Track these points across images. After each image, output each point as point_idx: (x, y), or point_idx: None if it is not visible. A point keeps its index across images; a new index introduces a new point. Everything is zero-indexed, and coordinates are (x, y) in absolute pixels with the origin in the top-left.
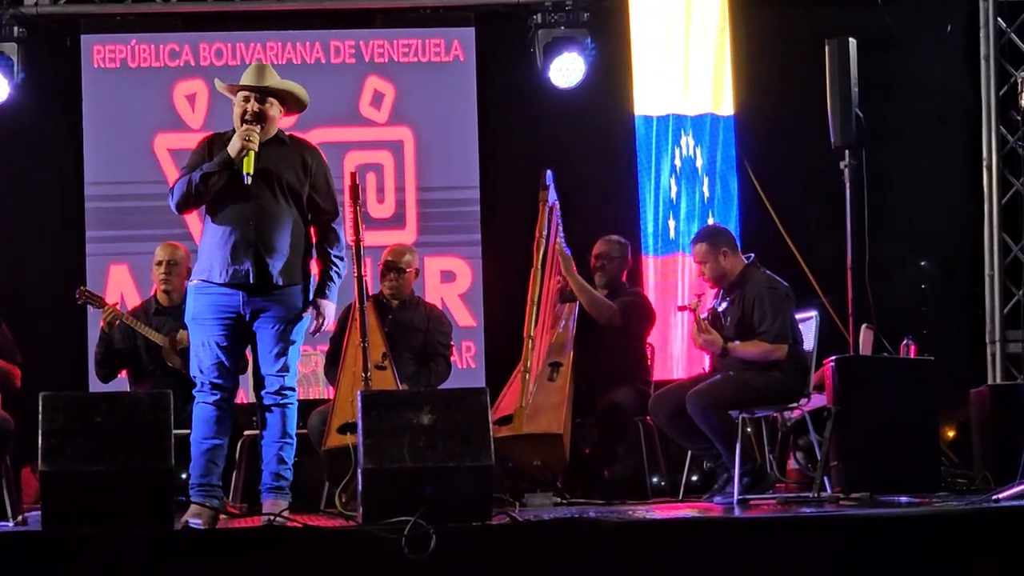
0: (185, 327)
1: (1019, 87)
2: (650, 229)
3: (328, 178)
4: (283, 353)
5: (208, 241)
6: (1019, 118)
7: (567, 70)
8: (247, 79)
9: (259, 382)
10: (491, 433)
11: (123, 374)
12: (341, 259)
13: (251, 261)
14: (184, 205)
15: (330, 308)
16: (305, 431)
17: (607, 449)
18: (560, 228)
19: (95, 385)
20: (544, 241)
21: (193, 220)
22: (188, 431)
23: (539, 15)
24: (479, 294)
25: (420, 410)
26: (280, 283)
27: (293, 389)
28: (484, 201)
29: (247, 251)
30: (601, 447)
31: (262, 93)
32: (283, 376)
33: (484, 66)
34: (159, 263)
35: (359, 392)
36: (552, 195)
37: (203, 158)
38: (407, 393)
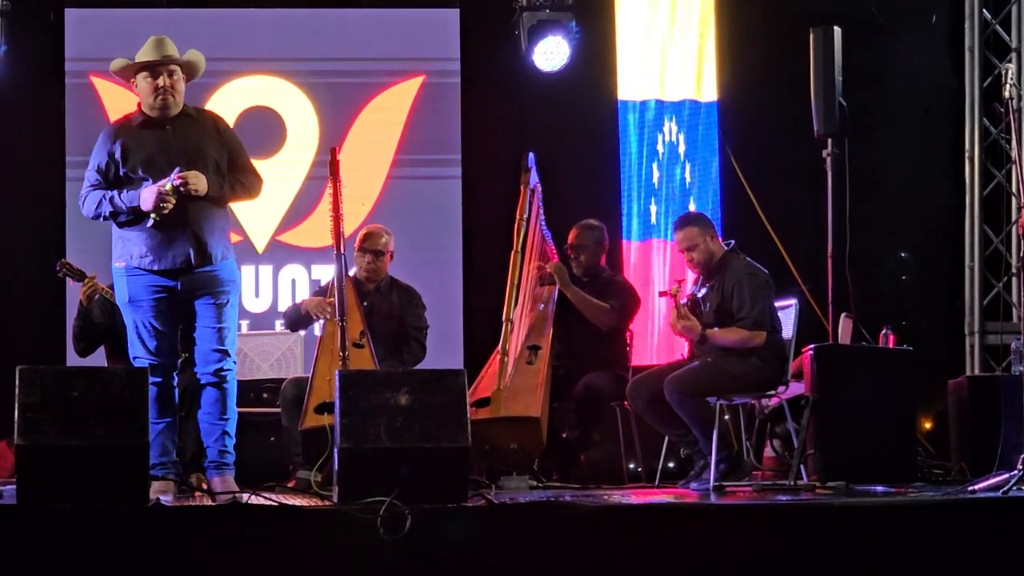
0: None
1: (1003, 79)
2: (635, 212)
3: (240, 142)
4: (223, 329)
5: (138, 225)
6: (1002, 110)
7: (551, 53)
8: (151, 54)
9: (204, 359)
10: (468, 415)
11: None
12: (238, 186)
13: (191, 244)
14: (96, 220)
15: (202, 180)
16: (269, 408)
17: (584, 433)
18: (541, 211)
19: (73, 359)
20: (525, 224)
21: None
22: None
23: None
24: (459, 276)
25: (398, 391)
26: (216, 259)
27: (234, 361)
28: (466, 183)
29: (184, 233)
30: (578, 431)
31: (170, 65)
32: (224, 351)
33: (468, 48)
34: None
35: (337, 372)
36: (534, 178)
37: (110, 158)
38: (385, 373)
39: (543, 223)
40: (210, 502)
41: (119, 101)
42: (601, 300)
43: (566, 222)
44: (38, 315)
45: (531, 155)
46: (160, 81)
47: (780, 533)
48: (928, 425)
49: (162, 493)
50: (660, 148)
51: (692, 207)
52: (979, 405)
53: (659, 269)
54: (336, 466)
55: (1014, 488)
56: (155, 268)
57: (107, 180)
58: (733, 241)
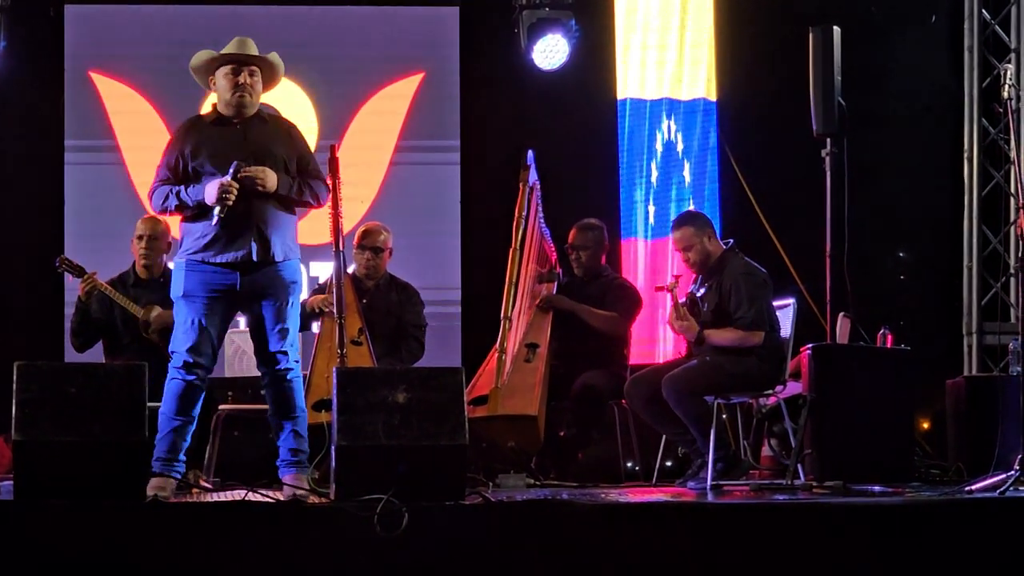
0: (161, 303)
1: (1002, 79)
2: (629, 211)
3: (310, 150)
4: (286, 328)
5: (204, 219)
6: (1001, 110)
7: (550, 51)
8: (235, 50)
9: (266, 359)
10: (466, 413)
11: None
12: (307, 190)
13: (254, 238)
14: (163, 214)
15: (270, 175)
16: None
17: (581, 432)
18: (540, 209)
19: (71, 355)
20: (523, 222)
21: None
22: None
23: None
24: (458, 274)
25: (395, 388)
26: (279, 258)
27: (298, 361)
28: (464, 180)
29: (248, 229)
30: (575, 430)
31: (250, 64)
32: (288, 351)
33: (468, 46)
34: (140, 237)
35: (335, 369)
36: (533, 175)
37: (180, 154)
38: (382, 371)
39: (542, 221)
40: (208, 498)
41: (118, 97)
42: (603, 301)
43: (565, 220)
44: (36, 311)
45: (530, 153)
46: (240, 78)
47: (777, 532)
48: (926, 425)
49: (160, 489)
50: (659, 147)
51: (691, 206)
52: (977, 405)
53: (643, 267)
54: (333, 463)
55: (1011, 488)
56: (216, 260)
57: (176, 175)
58: (732, 240)
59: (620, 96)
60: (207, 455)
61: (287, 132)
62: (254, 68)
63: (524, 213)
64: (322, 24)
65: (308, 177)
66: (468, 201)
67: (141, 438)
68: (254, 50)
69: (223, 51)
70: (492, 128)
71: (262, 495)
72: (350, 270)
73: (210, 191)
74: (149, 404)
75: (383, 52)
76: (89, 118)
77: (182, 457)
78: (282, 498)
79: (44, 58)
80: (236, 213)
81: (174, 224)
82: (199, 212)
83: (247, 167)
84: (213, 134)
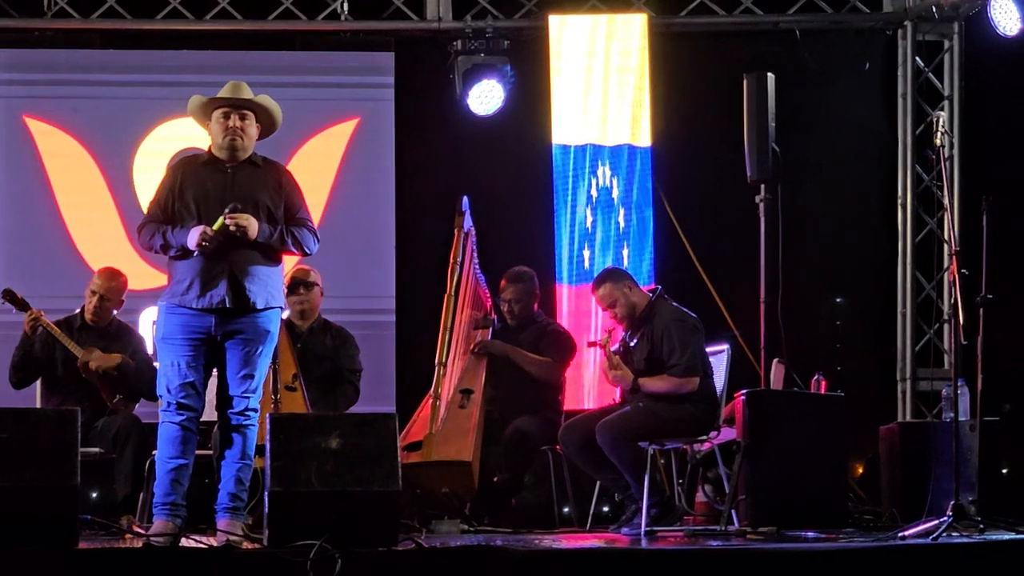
0: (104, 349)
1: (935, 126)
2: (564, 257)
3: (302, 195)
4: (251, 375)
5: (182, 263)
6: (934, 157)
7: (486, 97)
8: (228, 94)
9: (225, 401)
10: (399, 459)
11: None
12: (289, 239)
13: (227, 285)
14: (149, 251)
15: (252, 224)
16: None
17: (513, 477)
18: (475, 255)
19: (3, 394)
20: (458, 268)
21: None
22: (96, 449)
23: (459, 41)
24: (392, 319)
25: (328, 434)
26: (257, 306)
27: (256, 411)
28: (399, 226)
29: (223, 275)
30: (507, 475)
31: (243, 107)
32: (249, 397)
33: (403, 91)
34: (93, 293)
35: (268, 415)
36: (468, 221)
37: (170, 191)
38: (316, 417)
39: (477, 267)
40: (138, 544)
41: (52, 142)
42: (537, 347)
43: (500, 266)
44: None
45: (465, 199)
46: (231, 122)
47: None
48: (860, 471)
49: (158, 534)
50: (594, 193)
51: (626, 252)
52: (910, 451)
53: (595, 314)
54: (266, 509)
55: (944, 535)
56: (194, 305)
57: (166, 213)
58: (660, 287)
59: (556, 141)
60: (141, 500)
61: (277, 179)
62: (246, 112)
63: (459, 259)
64: (257, 69)
65: (293, 225)
66: (403, 247)
67: (73, 484)
68: (247, 93)
69: (217, 95)
70: (427, 173)
71: (195, 540)
72: (284, 316)
73: (192, 236)
74: (81, 449)
75: (318, 97)
76: (23, 162)
77: (181, 501)
78: (215, 544)
79: None
80: (215, 258)
81: (132, 277)
82: (183, 254)
83: (235, 213)
84: (202, 175)
